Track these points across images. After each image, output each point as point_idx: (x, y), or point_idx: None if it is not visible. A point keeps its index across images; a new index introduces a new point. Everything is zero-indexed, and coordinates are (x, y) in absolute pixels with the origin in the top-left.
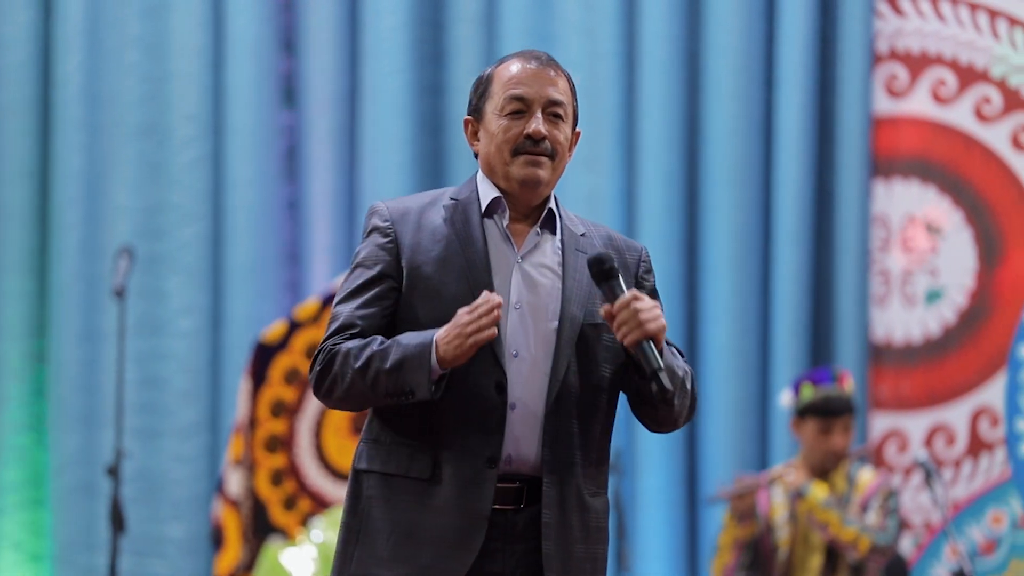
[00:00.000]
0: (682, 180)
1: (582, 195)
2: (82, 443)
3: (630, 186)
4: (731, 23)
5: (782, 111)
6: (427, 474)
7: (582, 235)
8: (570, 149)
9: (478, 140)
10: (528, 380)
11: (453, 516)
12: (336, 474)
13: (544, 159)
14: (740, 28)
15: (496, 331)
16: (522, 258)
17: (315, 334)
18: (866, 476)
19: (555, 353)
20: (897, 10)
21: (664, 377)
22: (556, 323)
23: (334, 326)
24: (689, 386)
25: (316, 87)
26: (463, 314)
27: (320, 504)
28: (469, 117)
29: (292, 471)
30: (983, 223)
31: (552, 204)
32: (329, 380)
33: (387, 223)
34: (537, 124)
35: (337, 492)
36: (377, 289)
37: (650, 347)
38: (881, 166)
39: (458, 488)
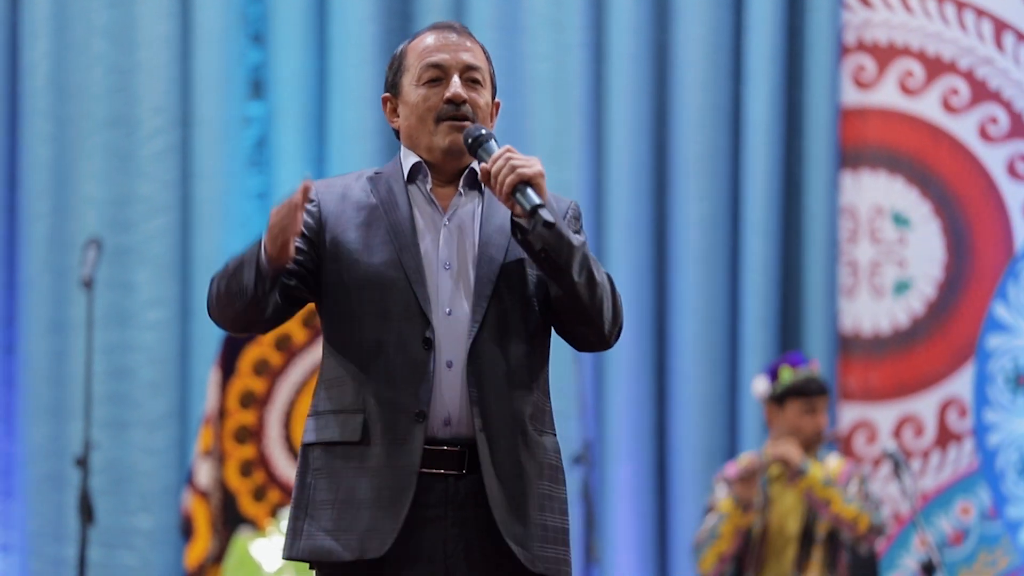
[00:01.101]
0: (650, 172)
1: (551, 187)
2: (51, 434)
3: (599, 177)
4: (699, 14)
5: (750, 102)
6: (357, 436)
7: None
8: (492, 118)
9: (397, 116)
10: (460, 337)
11: (385, 476)
12: None
13: (466, 124)
14: (708, 20)
15: (300, 220)
16: (449, 220)
17: (285, 325)
18: (834, 463)
19: (472, 300)
20: (865, 1)
21: (546, 213)
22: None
23: None
24: (607, 284)
25: (284, 78)
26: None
27: (289, 495)
28: (387, 94)
29: (261, 462)
30: (951, 214)
31: (475, 164)
32: (212, 301)
33: (312, 194)
34: (456, 88)
35: None
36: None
37: (523, 191)
38: (849, 157)
39: (387, 446)
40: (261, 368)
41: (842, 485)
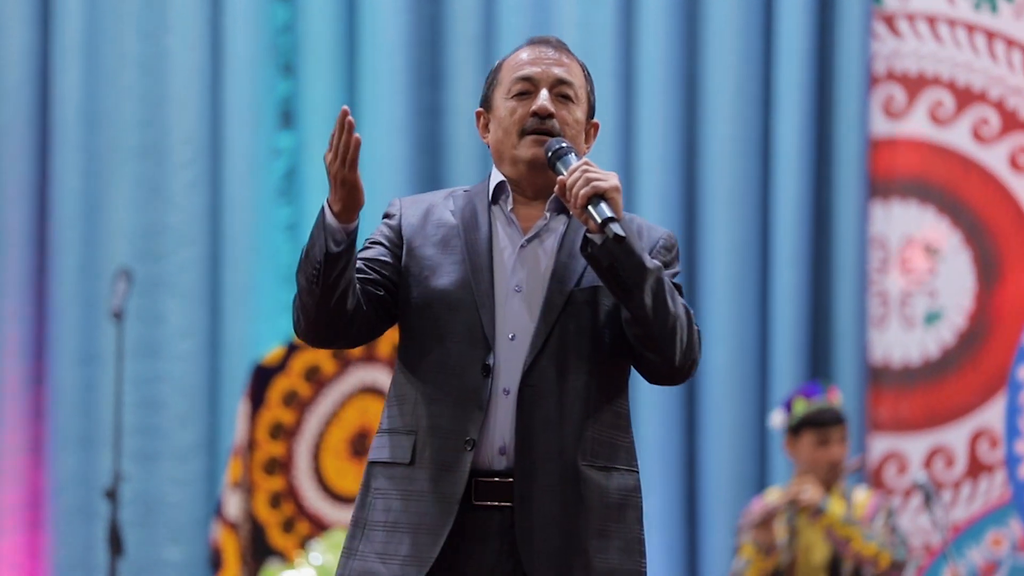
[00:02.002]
0: (681, 201)
1: None
2: (80, 465)
3: (629, 207)
4: (728, 45)
5: (780, 132)
6: (408, 458)
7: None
8: (587, 139)
9: (489, 132)
10: (520, 363)
11: (427, 503)
12: (335, 496)
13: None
14: (737, 49)
15: (353, 146)
16: (528, 241)
17: (313, 357)
18: (861, 495)
19: (535, 328)
20: (894, 31)
21: (617, 227)
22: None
23: None
24: (683, 315)
25: (314, 108)
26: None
27: (318, 527)
28: (480, 109)
29: (290, 494)
30: (981, 244)
31: None
32: (293, 312)
33: (395, 209)
34: (542, 101)
35: (336, 515)
36: (372, 249)
37: (601, 202)
38: (879, 187)
39: (434, 471)
40: (290, 399)
41: (866, 520)
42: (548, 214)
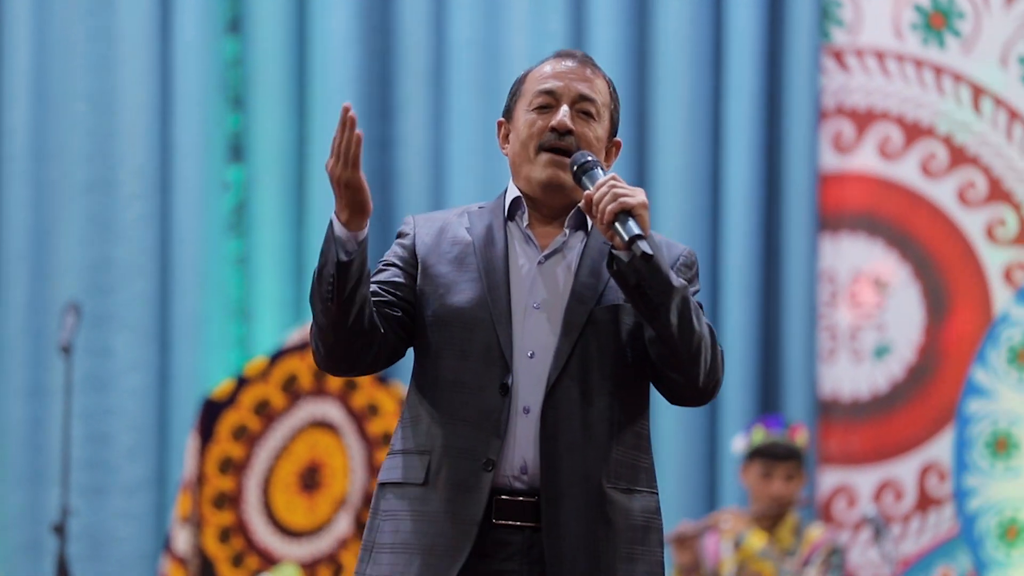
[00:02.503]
0: None
1: None
2: (28, 500)
3: None
4: (678, 78)
5: (730, 166)
6: (421, 478)
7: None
8: (608, 158)
9: (508, 143)
10: (541, 382)
11: (442, 524)
12: (284, 531)
13: (568, 160)
14: (687, 84)
15: (361, 134)
16: (546, 258)
17: (263, 390)
18: (814, 532)
19: (556, 346)
20: (843, 66)
21: (645, 245)
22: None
23: None
24: (707, 335)
25: (264, 142)
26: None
27: (268, 561)
28: (501, 119)
29: (240, 528)
30: (930, 278)
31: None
32: (311, 338)
33: (408, 227)
34: (563, 116)
35: (285, 549)
36: (387, 271)
37: (629, 219)
38: (828, 221)
39: (450, 493)
40: (240, 434)
41: (802, 559)
42: (567, 231)
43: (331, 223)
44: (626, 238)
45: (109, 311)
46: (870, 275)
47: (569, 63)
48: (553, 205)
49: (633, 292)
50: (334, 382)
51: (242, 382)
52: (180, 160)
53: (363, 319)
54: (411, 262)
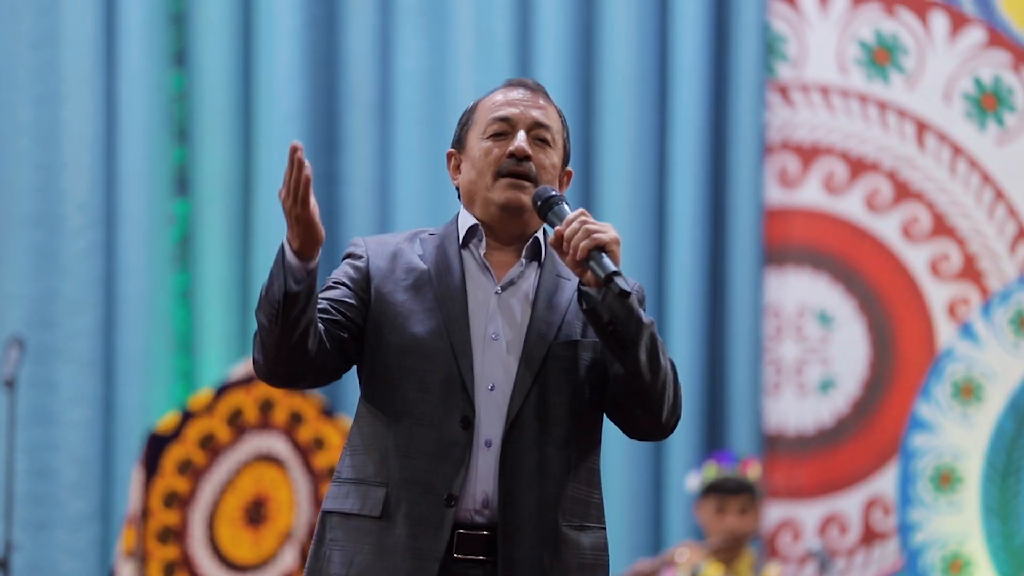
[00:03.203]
0: None
1: None
2: None
3: None
4: (624, 112)
5: (675, 201)
6: (378, 511)
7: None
8: (561, 187)
9: (459, 173)
10: (501, 415)
11: (402, 559)
12: (229, 565)
13: (527, 184)
14: (633, 119)
15: (310, 173)
16: (502, 288)
17: (209, 424)
18: (772, 571)
19: (515, 380)
20: (788, 101)
21: (622, 282)
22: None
23: None
24: (670, 371)
25: (210, 175)
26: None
27: None
28: (452, 150)
29: (185, 563)
30: (875, 313)
31: (540, 234)
32: (256, 345)
33: (361, 250)
34: (520, 142)
35: None
36: (335, 291)
37: (598, 257)
38: (773, 256)
39: (410, 528)
40: (185, 467)
41: None
42: (523, 261)
43: (282, 247)
44: (602, 275)
45: (53, 344)
46: (815, 309)
47: (522, 92)
48: (511, 232)
49: (604, 330)
50: (280, 416)
51: (187, 416)
52: (125, 193)
53: (307, 341)
54: (363, 285)
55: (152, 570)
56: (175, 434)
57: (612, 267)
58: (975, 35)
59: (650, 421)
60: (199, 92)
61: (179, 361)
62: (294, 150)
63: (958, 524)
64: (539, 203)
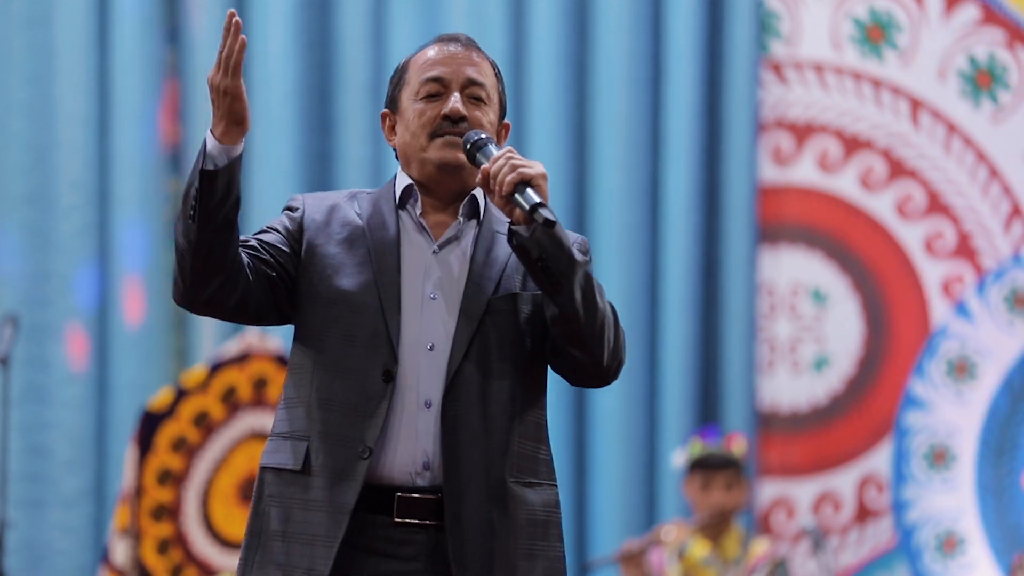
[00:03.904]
0: None
1: None
2: None
3: None
4: (617, 92)
5: (669, 179)
6: (300, 465)
7: (509, 221)
8: (500, 141)
9: (395, 134)
10: (441, 375)
11: (320, 512)
12: (223, 542)
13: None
14: (627, 97)
15: (243, 43)
16: (440, 247)
17: (203, 402)
18: (760, 545)
19: (453, 337)
20: (782, 79)
21: (547, 212)
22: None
23: None
24: (610, 313)
25: None
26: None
27: (207, 573)
28: (386, 111)
29: (179, 540)
30: (869, 290)
31: (478, 191)
32: (173, 274)
33: (298, 203)
34: (455, 103)
35: (224, 561)
36: (266, 232)
37: (523, 191)
38: (767, 234)
39: (328, 479)
40: (179, 445)
41: (747, 570)
42: (461, 219)
43: (204, 140)
44: (526, 207)
45: (47, 323)
46: (809, 287)
47: (453, 47)
48: (448, 189)
49: (535, 266)
50: (273, 393)
51: (181, 393)
52: (118, 173)
53: (227, 245)
54: (296, 236)
55: (146, 547)
56: (169, 412)
57: (537, 198)
58: (969, 12)
59: (591, 363)
60: (193, 69)
61: (173, 339)
62: (231, 16)
63: (952, 502)
64: (468, 146)
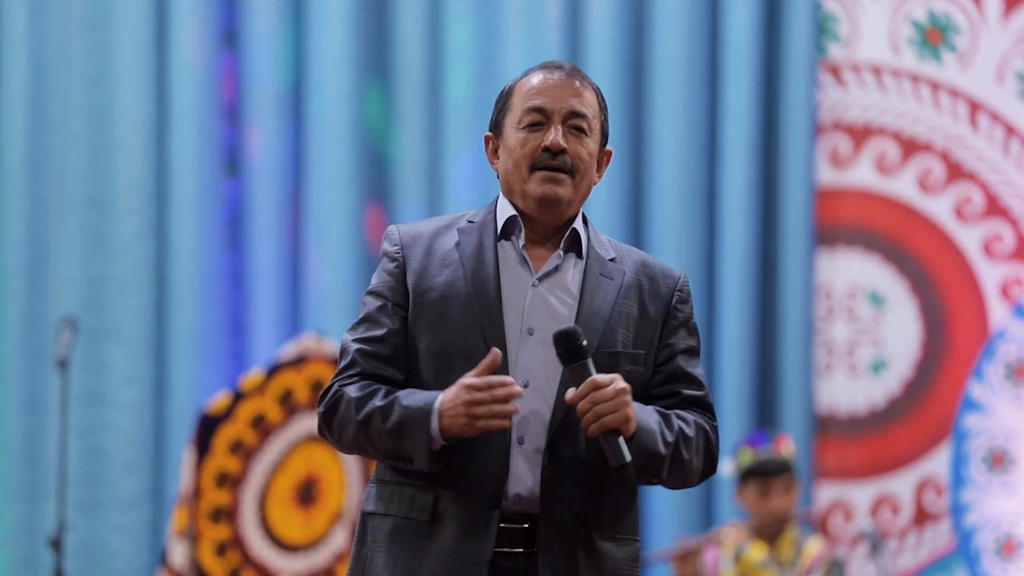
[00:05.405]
0: None
1: None
2: (25, 515)
3: None
4: (675, 94)
5: (726, 182)
6: (427, 515)
7: (611, 260)
8: (599, 168)
9: (498, 158)
10: (538, 412)
11: (450, 562)
12: (281, 545)
13: (563, 176)
14: (684, 100)
15: (511, 423)
16: (539, 280)
17: (260, 404)
18: (814, 546)
19: (560, 382)
20: (840, 81)
21: (630, 472)
22: None
23: (342, 363)
24: (700, 445)
25: (260, 156)
26: (473, 387)
27: (264, 575)
28: (489, 134)
29: (236, 542)
30: (927, 293)
31: (579, 224)
32: (336, 425)
33: (396, 247)
34: (555, 136)
35: (281, 563)
36: (383, 319)
37: (612, 441)
38: (825, 236)
39: (458, 530)
40: (236, 447)
41: (803, 571)
42: (561, 252)
43: (431, 427)
44: (612, 464)
45: (105, 325)
46: (867, 290)
47: (557, 75)
48: (548, 223)
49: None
50: None
51: (238, 396)
52: (176, 175)
53: None
54: (401, 291)
55: (204, 550)
56: (226, 414)
57: (619, 458)
58: None
59: (674, 485)
60: (249, 72)
61: (230, 342)
62: (495, 358)
63: (1011, 505)
64: (560, 347)
